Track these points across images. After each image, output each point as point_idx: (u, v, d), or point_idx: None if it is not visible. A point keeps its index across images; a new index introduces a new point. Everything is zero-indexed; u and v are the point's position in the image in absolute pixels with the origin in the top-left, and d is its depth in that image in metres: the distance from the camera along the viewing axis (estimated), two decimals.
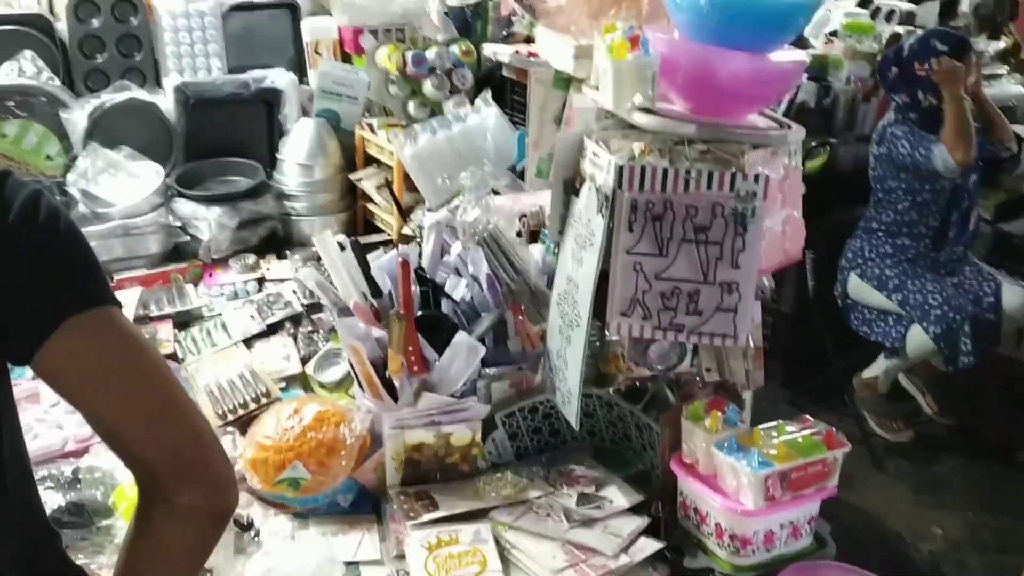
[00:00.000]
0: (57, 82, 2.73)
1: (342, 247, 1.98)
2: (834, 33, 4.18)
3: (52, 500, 1.66)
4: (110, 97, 2.72)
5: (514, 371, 1.92)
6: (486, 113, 2.66)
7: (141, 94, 2.76)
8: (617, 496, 1.77)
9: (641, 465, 1.90)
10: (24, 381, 2.08)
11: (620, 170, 1.56)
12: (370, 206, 2.83)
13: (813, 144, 3.63)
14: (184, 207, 2.65)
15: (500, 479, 1.84)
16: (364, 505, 1.85)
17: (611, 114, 1.71)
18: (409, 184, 2.62)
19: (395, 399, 1.83)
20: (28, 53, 2.69)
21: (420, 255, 2.08)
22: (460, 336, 1.76)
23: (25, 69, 2.68)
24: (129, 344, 0.88)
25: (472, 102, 2.71)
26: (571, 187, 1.75)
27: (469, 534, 1.69)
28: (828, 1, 4.96)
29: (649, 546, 1.66)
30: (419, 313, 1.93)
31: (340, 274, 1.94)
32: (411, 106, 2.75)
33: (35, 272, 0.84)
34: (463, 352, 1.77)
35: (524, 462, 1.90)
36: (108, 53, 2.82)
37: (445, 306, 1.99)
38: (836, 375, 3.30)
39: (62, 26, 2.79)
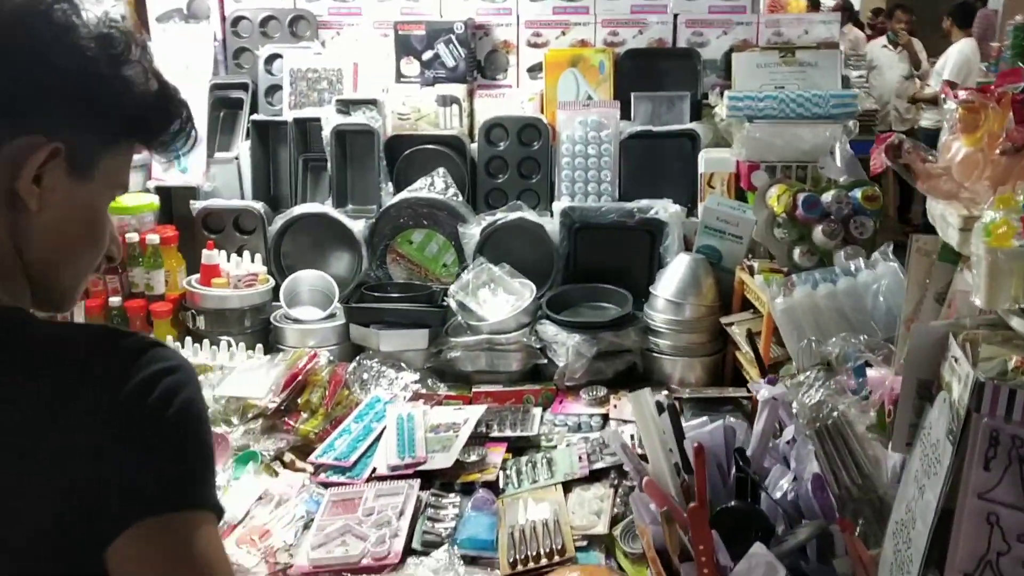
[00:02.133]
0: (461, 198, 2.92)
1: (661, 408, 1.79)
2: None
3: None
4: (503, 215, 2.84)
5: None
6: (883, 270, 2.29)
7: (531, 215, 2.84)
8: None
9: None
10: (355, 482, 2.18)
11: (979, 387, 1.18)
12: (740, 355, 2.58)
13: None
14: (548, 330, 2.64)
15: None
16: None
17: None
18: (779, 338, 2.33)
19: None
20: (441, 170, 2.92)
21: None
22: (758, 549, 1.47)
23: (436, 184, 2.91)
24: (193, 560, 0.80)
25: (869, 255, 2.35)
26: (927, 391, 1.39)
27: None
28: None
29: None
30: (731, 504, 1.66)
31: (651, 440, 1.74)
32: (796, 252, 2.48)
33: (124, 460, 0.79)
34: (760, 568, 1.47)
35: None
36: (509, 174, 2.97)
37: (766, 502, 1.69)
38: None
39: (474, 147, 2.99)
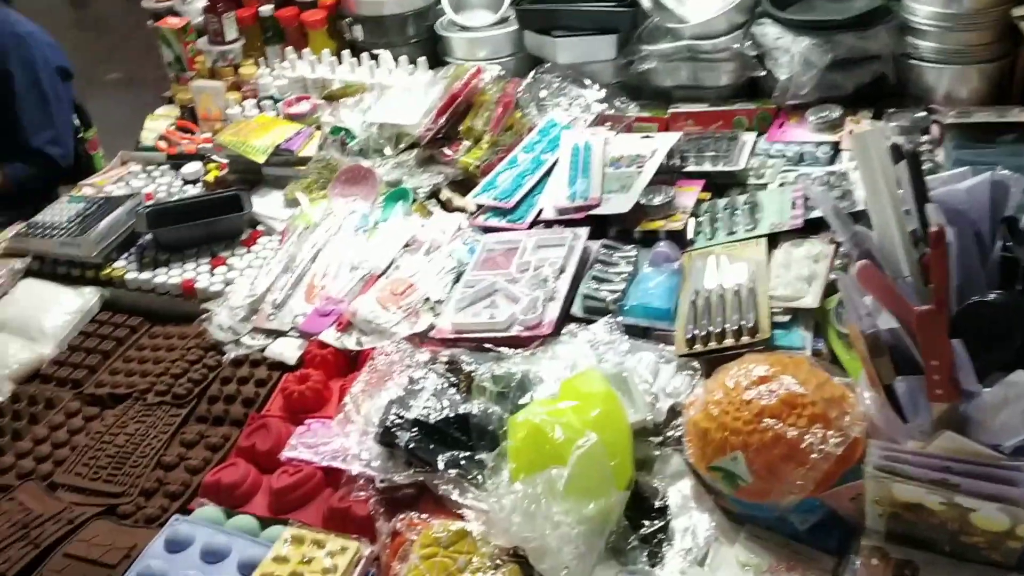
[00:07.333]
0: None
1: (898, 153, 1.27)
2: None
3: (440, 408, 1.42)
4: None
5: None
6: None
7: None
8: None
9: None
10: (515, 226, 1.87)
11: None
12: None
13: None
14: (769, 32, 2.07)
15: None
16: (829, 537, 1.28)
17: None
18: None
19: (903, 417, 1.17)
20: None
21: None
22: (1019, 377, 1.00)
23: None
24: None
25: None
26: None
27: None
28: None
29: None
30: (989, 297, 1.17)
31: (879, 197, 1.25)
32: None
33: None
34: (1021, 402, 1.01)
35: None
36: None
37: None
38: None
39: None
